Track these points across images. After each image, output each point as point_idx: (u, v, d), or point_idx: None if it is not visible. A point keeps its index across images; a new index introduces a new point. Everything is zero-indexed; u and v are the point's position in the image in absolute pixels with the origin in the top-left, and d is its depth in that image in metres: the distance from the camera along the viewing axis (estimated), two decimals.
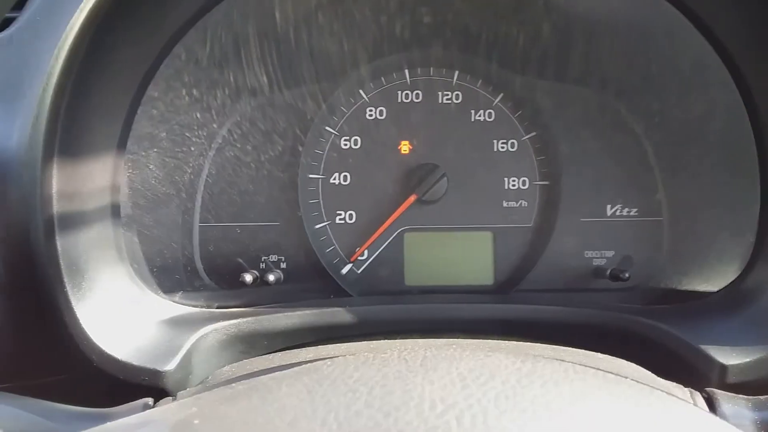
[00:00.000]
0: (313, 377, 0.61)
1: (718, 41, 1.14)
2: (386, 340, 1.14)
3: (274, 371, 0.76)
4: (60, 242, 1.01)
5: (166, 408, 0.77)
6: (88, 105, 1.04)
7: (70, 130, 1.01)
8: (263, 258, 1.49)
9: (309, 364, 0.67)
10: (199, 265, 1.45)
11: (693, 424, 0.61)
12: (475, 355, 0.65)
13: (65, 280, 1.01)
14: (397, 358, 0.65)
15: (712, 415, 0.79)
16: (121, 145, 1.14)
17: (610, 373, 0.68)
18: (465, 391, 0.57)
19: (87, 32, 0.98)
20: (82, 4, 0.97)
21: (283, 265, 1.50)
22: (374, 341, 1.13)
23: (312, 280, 1.50)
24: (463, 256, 1.53)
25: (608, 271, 1.47)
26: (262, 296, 1.39)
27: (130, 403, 0.92)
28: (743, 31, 1.10)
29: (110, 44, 1.04)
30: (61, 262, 1.01)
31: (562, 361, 0.68)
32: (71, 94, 0.99)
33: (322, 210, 1.52)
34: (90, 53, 1.00)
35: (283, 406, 0.56)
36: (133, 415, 0.73)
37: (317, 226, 1.52)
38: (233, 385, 0.67)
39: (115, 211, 1.14)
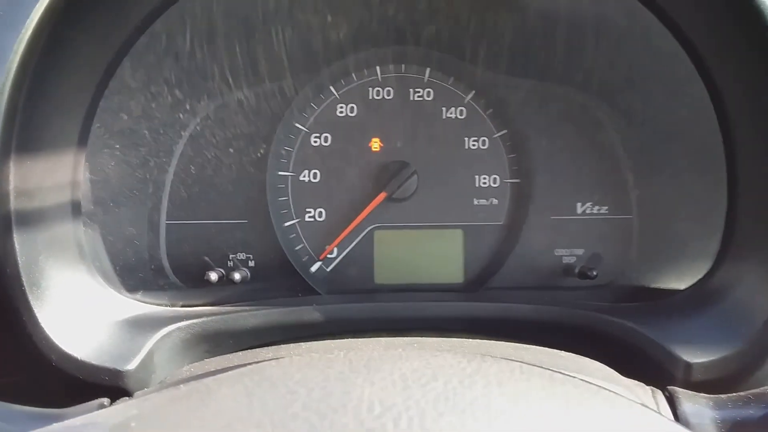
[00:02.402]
0: (254, 378, 0.60)
1: (691, 45, 1.14)
2: (351, 339, 1.13)
3: (231, 371, 0.75)
4: (17, 240, 0.99)
5: (110, 410, 0.76)
6: (47, 101, 1.03)
7: (27, 126, 0.99)
8: (231, 256, 1.48)
9: (253, 365, 0.66)
10: (166, 264, 1.44)
11: (635, 424, 0.60)
12: (421, 356, 0.64)
13: (23, 278, 1.00)
14: (342, 358, 0.64)
15: (657, 415, 0.79)
16: (82, 141, 1.12)
17: (559, 372, 0.68)
18: (405, 393, 0.56)
19: (45, 27, 0.96)
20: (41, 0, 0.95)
21: (252, 264, 1.49)
22: (339, 340, 1.12)
23: (280, 278, 1.49)
24: (434, 254, 1.53)
25: (577, 269, 1.48)
26: (229, 295, 1.37)
27: (85, 403, 0.91)
28: (714, 35, 1.10)
29: (70, 39, 1.02)
30: (19, 260, 0.99)
31: (511, 360, 0.68)
32: (29, 90, 0.98)
33: (292, 207, 1.52)
34: (49, 48, 0.98)
35: (220, 408, 0.55)
36: (77, 418, 0.72)
37: (286, 224, 1.51)
38: (180, 386, 0.66)
39: (75, 208, 1.12)
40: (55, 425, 0.67)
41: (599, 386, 0.68)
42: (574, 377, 0.67)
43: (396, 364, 0.62)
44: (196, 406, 0.57)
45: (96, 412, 0.81)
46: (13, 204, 0.98)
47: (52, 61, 1.01)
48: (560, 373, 0.67)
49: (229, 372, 0.66)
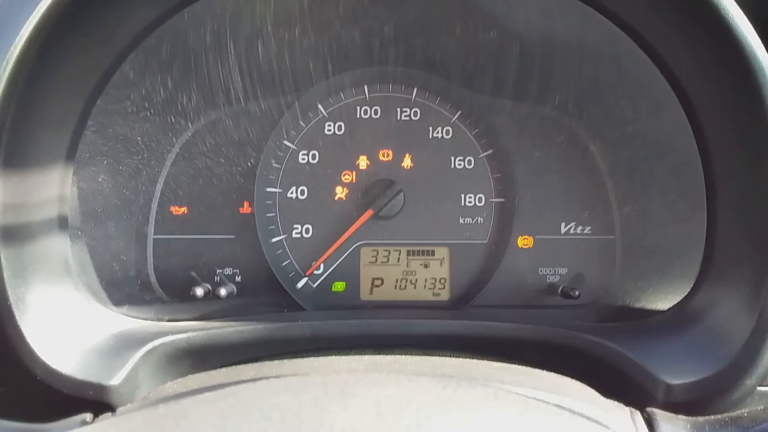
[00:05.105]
0: (229, 401, 0.61)
1: (666, 66, 1.16)
2: (335, 357, 1.14)
3: (215, 389, 0.75)
4: (3, 254, 0.99)
5: (92, 428, 0.76)
6: (36, 116, 1.03)
7: (16, 140, 1.00)
8: (218, 271, 1.49)
9: (229, 387, 0.66)
10: (153, 278, 1.44)
11: None
12: (398, 380, 0.65)
13: (8, 291, 1.00)
14: (318, 383, 0.64)
15: None
16: (70, 156, 1.13)
17: (535, 399, 0.68)
18: (377, 419, 0.57)
19: (34, 43, 0.97)
20: (31, 16, 0.96)
21: (238, 279, 1.49)
22: (324, 357, 1.13)
23: (267, 293, 1.50)
24: (419, 272, 1.54)
25: (560, 289, 1.49)
26: (215, 310, 1.38)
27: (68, 419, 0.91)
28: (689, 56, 1.12)
29: (59, 55, 1.03)
30: (5, 273, 0.99)
31: (487, 386, 0.69)
32: (17, 105, 0.98)
33: (279, 224, 1.52)
34: (38, 64, 0.99)
35: (196, 430, 0.55)
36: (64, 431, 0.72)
37: (273, 240, 1.52)
38: (159, 406, 0.66)
39: (62, 222, 1.13)
40: None
41: (575, 412, 0.69)
42: (550, 404, 0.68)
43: (371, 390, 0.62)
44: (171, 428, 0.57)
45: (77, 430, 0.81)
46: (0, 218, 0.99)
47: (41, 77, 1.01)
48: (536, 399, 0.68)
49: (206, 393, 0.66)
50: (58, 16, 0.97)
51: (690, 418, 0.92)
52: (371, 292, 1.54)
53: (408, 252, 1.54)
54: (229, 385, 0.69)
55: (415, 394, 0.62)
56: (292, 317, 1.31)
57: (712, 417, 0.90)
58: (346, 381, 0.64)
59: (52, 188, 1.10)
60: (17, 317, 1.00)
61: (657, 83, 1.17)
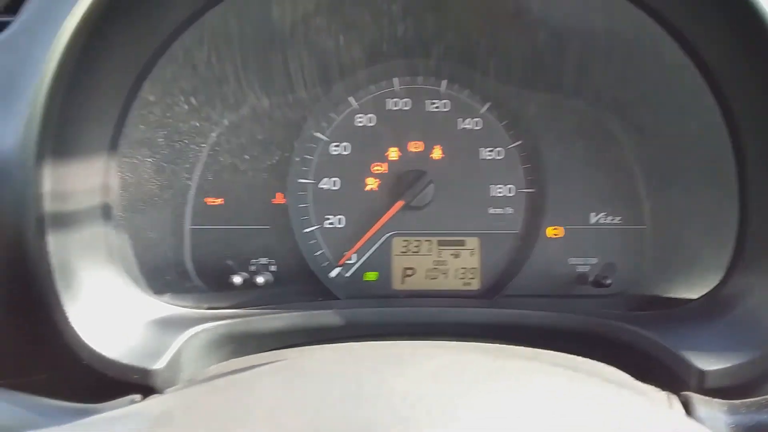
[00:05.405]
0: (291, 371, 0.63)
1: (700, 58, 1.16)
2: (374, 342, 1.16)
3: (266, 365, 0.77)
4: (51, 241, 1.02)
5: (149, 402, 0.78)
6: (81, 107, 1.06)
7: (62, 131, 1.02)
8: (253, 261, 1.51)
9: (288, 360, 0.69)
10: (190, 267, 1.47)
11: (657, 422, 0.62)
12: (449, 353, 0.66)
13: (56, 279, 1.03)
14: (373, 354, 0.66)
15: (679, 414, 0.81)
16: (113, 146, 1.16)
17: (582, 372, 0.70)
18: (435, 385, 0.58)
19: (80, 36, 0.99)
20: (75, 8, 0.99)
21: (273, 268, 1.52)
22: (360, 343, 1.15)
23: (301, 283, 1.52)
24: (450, 262, 1.55)
25: (591, 278, 1.50)
26: (251, 298, 1.40)
27: (117, 399, 0.93)
28: (722, 48, 1.12)
29: (103, 48, 1.05)
30: (52, 261, 1.02)
31: (533, 359, 0.70)
32: (64, 97, 1.01)
33: (312, 214, 1.54)
34: (82, 56, 1.01)
35: (260, 397, 0.58)
36: (118, 409, 0.75)
37: (306, 230, 1.54)
38: (215, 381, 0.69)
39: (106, 211, 1.15)
40: (103, 414, 0.70)
41: (622, 386, 0.70)
42: (596, 377, 0.69)
43: (425, 360, 0.64)
44: (237, 395, 0.59)
45: (134, 405, 0.84)
46: (48, 206, 1.02)
47: (86, 69, 1.04)
48: (583, 372, 0.69)
49: (266, 365, 0.68)
50: (103, 10, 1.00)
51: (726, 401, 0.93)
52: (403, 282, 1.55)
53: (439, 242, 1.56)
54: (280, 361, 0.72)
55: (468, 364, 0.64)
56: (326, 306, 1.33)
57: (748, 400, 0.91)
58: (401, 352, 0.66)
59: (97, 178, 1.13)
60: (64, 303, 1.03)
61: (689, 73, 1.18)
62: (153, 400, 0.78)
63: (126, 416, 0.69)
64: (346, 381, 0.60)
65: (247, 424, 0.52)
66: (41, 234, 1.01)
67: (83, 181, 1.10)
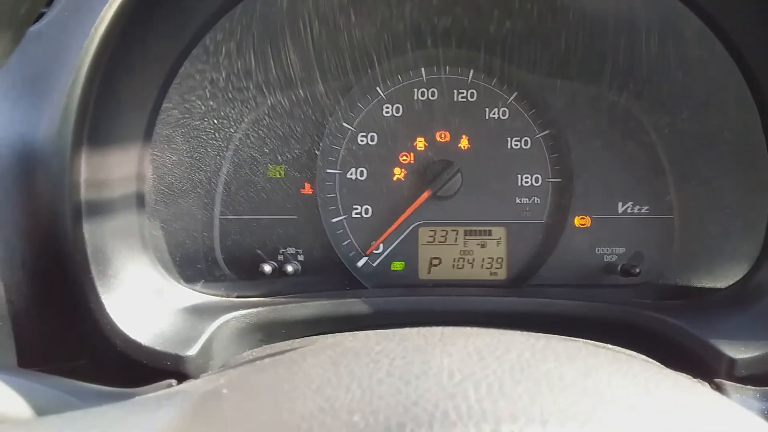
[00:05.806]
0: (336, 350, 0.64)
1: (736, 49, 1.15)
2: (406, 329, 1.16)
3: (311, 346, 0.78)
4: (87, 229, 1.04)
5: (194, 382, 0.80)
6: (116, 96, 1.08)
7: (97, 120, 1.04)
8: (281, 250, 1.52)
9: (333, 340, 0.70)
10: (219, 256, 1.48)
11: (704, 402, 0.63)
12: (491, 333, 0.67)
13: (91, 266, 1.05)
14: (416, 334, 0.67)
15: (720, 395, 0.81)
16: (147, 136, 1.17)
17: (622, 353, 0.70)
18: (481, 363, 0.59)
19: (115, 26, 1.01)
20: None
21: (301, 258, 1.53)
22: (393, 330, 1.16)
23: (328, 272, 1.53)
24: (477, 251, 1.56)
25: (619, 267, 1.50)
26: (280, 287, 1.42)
27: (155, 384, 0.95)
28: (759, 39, 1.12)
29: (138, 38, 1.07)
30: (88, 249, 1.04)
31: (575, 340, 0.71)
32: (99, 86, 1.03)
33: (339, 204, 1.55)
34: (118, 46, 1.03)
35: (308, 375, 0.59)
36: (162, 391, 0.76)
37: (334, 220, 1.55)
38: (257, 362, 0.70)
39: (140, 200, 1.17)
40: (148, 395, 0.71)
41: (662, 366, 0.71)
42: (637, 357, 0.70)
43: (469, 339, 0.65)
44: (284, 374, 0.60)
45: (177, 386, 0.85)
46: (84, 195, 1.04)
47: (121, 59, 1.06)
48: (623, 353, 0.70)
49: (310, 346, 0.69)
50: (137, 1, 1.01)
51: (758, 388, 0.93)
52: (429, 271, 1.56)
53: (465, 232, 1.56)
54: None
55: (512, 343, 0.64)
56: (354, 295, 1.34)
57: None
58: (443, 332, 0.67)
59: (131, 166, 1.15)
60: (99, 290, 1.05)
61: (721, 62, 1.17)
62: (197, 381, 0.80)
63: (172, 395, 0.71)
64: (393, 359, 0.61)
65: (297, 398, 0.53)
66: (77, 222, 1.03)
67: (118, 169, 1.12)
